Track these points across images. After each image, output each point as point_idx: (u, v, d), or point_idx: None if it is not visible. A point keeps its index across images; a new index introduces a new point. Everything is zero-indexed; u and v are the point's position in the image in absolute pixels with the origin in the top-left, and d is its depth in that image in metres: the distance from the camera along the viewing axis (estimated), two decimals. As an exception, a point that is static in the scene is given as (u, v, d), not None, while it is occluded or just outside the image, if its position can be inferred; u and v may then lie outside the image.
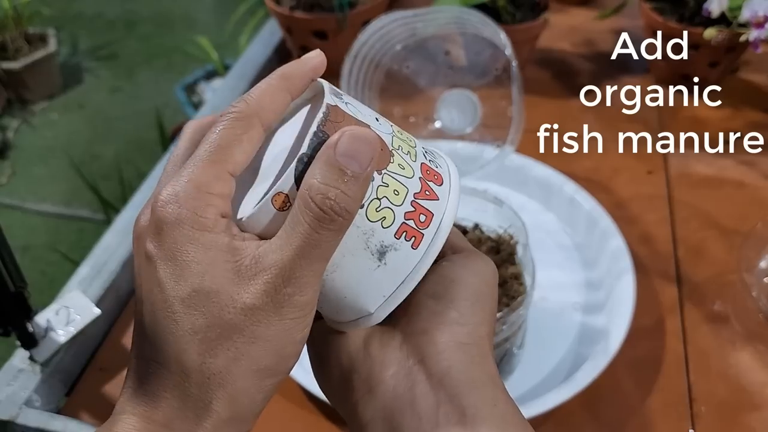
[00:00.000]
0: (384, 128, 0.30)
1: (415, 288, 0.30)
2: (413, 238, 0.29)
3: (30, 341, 0.61)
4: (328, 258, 0.27)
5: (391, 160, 0.29)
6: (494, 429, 0.28)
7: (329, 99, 0.28)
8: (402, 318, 0.32)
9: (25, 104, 2.28)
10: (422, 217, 0.29)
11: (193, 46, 2.05)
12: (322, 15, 0.97)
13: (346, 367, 0.31)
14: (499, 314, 0.57)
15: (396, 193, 0.29)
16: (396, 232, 0.29)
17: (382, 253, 0.29)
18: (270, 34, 1.10)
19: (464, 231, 0.70)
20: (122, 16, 2.74)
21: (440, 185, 0.31)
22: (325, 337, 0.32)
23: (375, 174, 0.28)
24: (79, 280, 0.69)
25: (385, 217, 0.28)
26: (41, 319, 0.63)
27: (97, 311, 0.64)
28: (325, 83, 0.30)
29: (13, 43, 2.19)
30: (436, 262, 0.31)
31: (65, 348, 0.63)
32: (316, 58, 0.31)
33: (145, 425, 0.27)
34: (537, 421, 0.60)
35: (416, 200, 0.29)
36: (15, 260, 0.57)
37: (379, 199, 0.28)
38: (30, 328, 0.61)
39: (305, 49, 1.01)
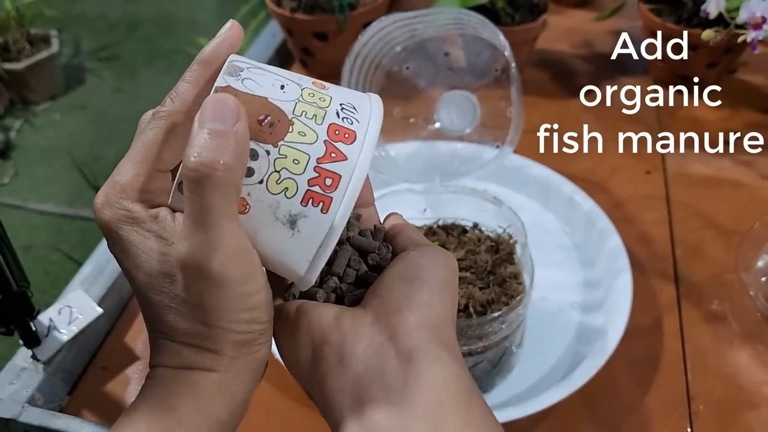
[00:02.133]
0: (288, 96, 0.31)
1: (386, 272, 0.35)
2: (321, 203, 0.30)
3: (33, 340, 0.61)
4: (231, 218, 0.29)
5: (290, 130, 0.30)
6: (456, 404, 0.30)
7: (220, 81, 0.30)
8: (373, 299, 0.34)
9: (27, 105, 2.28)
10: (328, 181, 0.30)
11: (195, 47, 2.05)
12: (322, 16, 0.97)
13: (317, 338, 0.33)
14: (498, 313, 0.58)
15: (296, 162, 0.30)
16: (302, 200, 0.30)
17: (293, 222, 0.31)
18: (271, 35, 1.11)
19: (464, 230, 0.70)
20: (124, 18, 2.74)
21: (351, 143, 0.31)
22: (298, 310, 0.34)
23: (271, 147, 0.29)
24: (82, 280, 0.70)
25: (287, 188, 0.30)
26: (44, 318, 0.63)
27: (100, 310, 0.65)
28: (226, 62, 0.31)
29: (15, 43, 2.19)
30: (405, 251, 0.36)
31: (67, 347, 0.64)
32: (230, 30, 0.34)
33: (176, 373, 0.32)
34: (535, 419, 0.61)
35: (320, 165, 0.30)
36: (18, 259, 0.58)
37: (278, 171, 0.30)
38: (33, 327, 0.61)
39: (306, 51, 1.02)
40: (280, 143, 0.29)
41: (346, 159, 0.30)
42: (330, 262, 0.35)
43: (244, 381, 0.33)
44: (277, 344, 0.36)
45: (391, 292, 0.34)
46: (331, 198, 0.30)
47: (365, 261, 0.37)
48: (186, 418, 0.31)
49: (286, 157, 0.30)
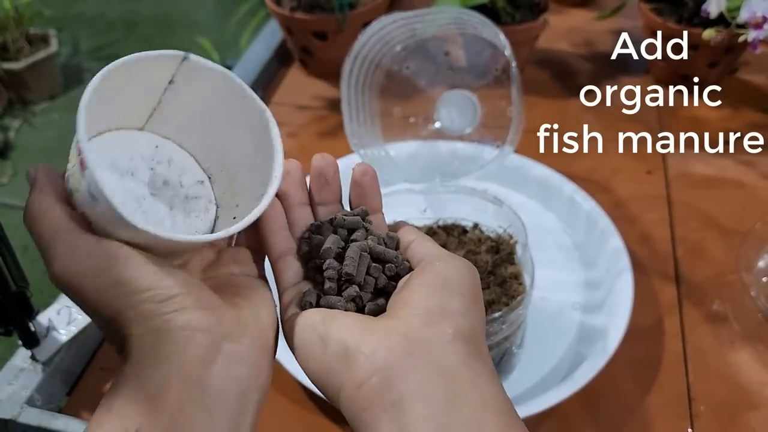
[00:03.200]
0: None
1: (412, 282, 0.35)
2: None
3: (31, 340, 0.61)
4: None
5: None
6: (498, 424, 0.30)
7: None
8: (403, 309, 0.33)
9: (26, 104, 2.28)
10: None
11: (194, 47, 2.05)
12: (322, 16, 0.97)
13: (351, 348, 0.32)
14: (498, 313, 0.57)
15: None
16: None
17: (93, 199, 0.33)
18: (271, 34, 1.11)
19: (464, 231, 0.70)
20: (123, 17, 2.74)
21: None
22: (323, 320, 0.34)
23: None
24: (81, 280, 0.69)
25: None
26: (43, 318, 0.63)
27: (99, 311, 0.64)
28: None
29: (14, 43, 2.19)
30: (424, 261, 0.36)
31: (66, 347, 0.64)
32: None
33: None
34: (536, 420, 0.60)
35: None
36: (17, 260, 0.58)
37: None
38: (31, 328, 0.61)
39: (306, 50, 1.02)
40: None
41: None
42: (348, 270, 0.36)
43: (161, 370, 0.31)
44: (298, 354, 0.34)
45: (422, 303, 0.33)
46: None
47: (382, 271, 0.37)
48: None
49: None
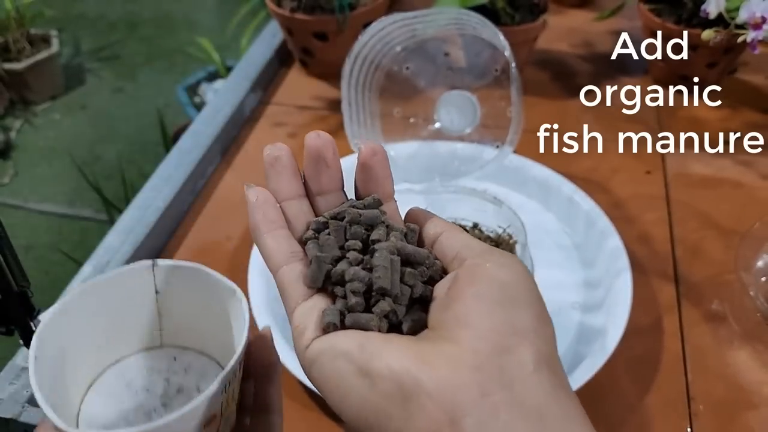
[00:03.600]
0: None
1: (459, 291, 0.29)
2: None
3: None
4: None
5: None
6: None
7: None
8: (459, 329, 0.27)
9: (27, 105, 2.28)
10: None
11: (195, 48, 2.06)
12: (322, 16, 0.97)
13: (406, 385, 0.27)
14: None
15: None
16: None
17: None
18: (271, 35, 1.11)
19: (464, 231, 0.70)
20: (124, 18, 2.74)
21: None
22: (361, 348, 0.29)
23: None
24: (82, 280, 0.70)
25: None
26: (44, 318, 0.63)
27: (100, 310, 0.65)
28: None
29: (15, 43, 2.19)
30: (463, 259, 0.31)
31: (68, 347, 0.64)
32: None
33: None
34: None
35: None
36: (18, 259, 0.58)
37: None
38: (33, 327, 0.61)
39: (306, 51, 1.02)
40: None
41: None
42: (382, 284, 0.30)
43: None
44: (328, 391, 0.28)
45: (484, 321, 0.27)
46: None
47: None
48: None
49: None
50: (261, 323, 0.64)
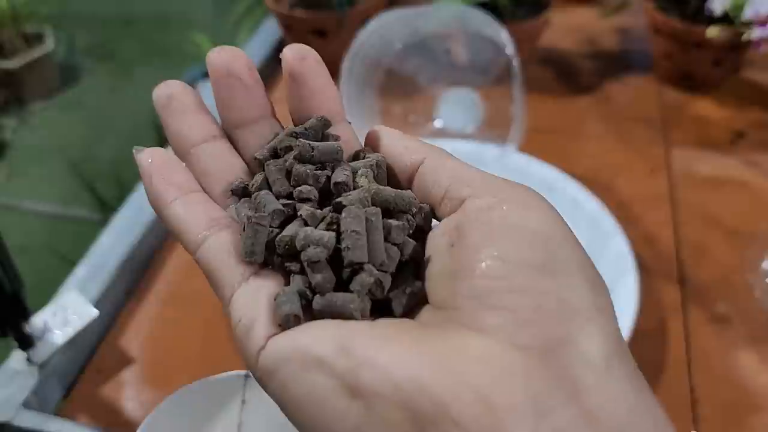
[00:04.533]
0: None
1: (477, 246, 0.20)
2: None
3: (27, 342, 0.60)
4: None
5: None
6: None
7: None
8: (485, 310, 0.19)
9: (22, 104, 2.27)
10: None
11: (192, 45, 2.05)
12: (321, 13, 0.96)
13: (402, 409, 0.19)
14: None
15: None
16: None
17: None
18: (269, 32, 1.10)
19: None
20: (120, 15, 2.73)
21: None
22: (343, 351, 0.21)
23: None
24: (77, 281, 0.69)
25: None
26: (38, 320, 0.62)
27: (95, 312, 0.64)
28: None
29: (10, 42, 2.18)
30: (462, 201, 0.22)
31: (62, 349, 0.63)
32: None
33: None
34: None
35: None
36: (11, 260, 0.57)
37: None
38: (27, 330, 0.60)
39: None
40: None
41: None
42: (355, 258, 0.21)
43: None
44: (299, 416, 0.20)
45: (519, 296, 0.19)
46: None
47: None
48: None
49: None
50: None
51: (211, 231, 0.23)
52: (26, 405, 0.60)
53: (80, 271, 0.70)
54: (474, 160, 0.72)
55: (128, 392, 0.64)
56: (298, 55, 0.25)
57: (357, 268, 0.21)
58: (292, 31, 1.01)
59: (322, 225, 0.22)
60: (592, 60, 1.05)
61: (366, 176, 0.23)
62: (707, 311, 0.70)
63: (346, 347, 0.19)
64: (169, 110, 0.26)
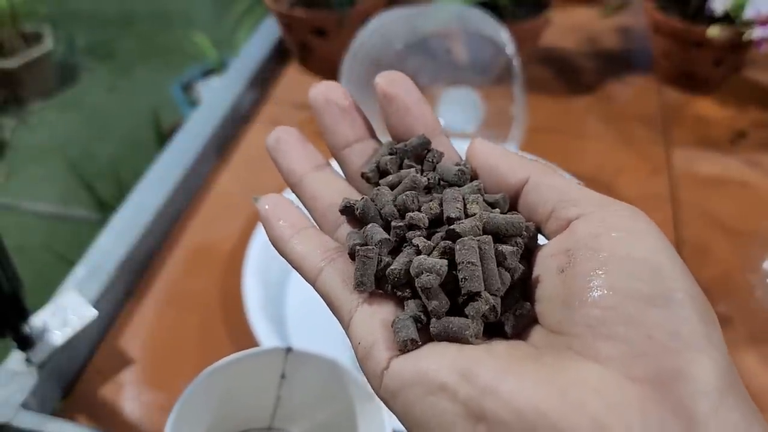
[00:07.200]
0: None
1: (586, 273, 0.21)
2: None
3: (26, 343, 0.60)
4: None
5: None
6: None
7: None
8: (595, 339, 0.20)
9: (21, 103, 2.27)
10: None
11: (191, 44, 2.04)
12: (321, 12, 0.96)
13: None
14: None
15: None
16: None
17: None
18: (268, 31, 1.09)
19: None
20: (119, 14, 2.73)
21: None
22: (462, 375, 0.22)
23: None
24: (76, 281, 0.68)
25: None
26: (37, 320, 0.62)
27: (94, 312, 0.63)
28: None
29: (9, 41, 2.18)
30: (570, 223, 0.22)
31: (61, 350, 0.62)
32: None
33: None
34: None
35: None
36: (10, 260, 0.56)
37: None
38: (26, 330, 0.60)
39: (304, 47, 1.01)
40: None
41: None
42: (472, 288, 0.22)
43: None
44: None
45: (631, 327, 0.19)
46: None
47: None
48: None
49: None
50: (259, 328, 0.63)
51: (326, 262, 0.25)
52: (25, 405, 0.59)
53: (79, 271, 0.70)
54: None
55: (127, 393, 0.64)
56: (388, 79, 0.28)
57: (465, 292, 0.22)
58: (292, 31, 1.00)
59: (435, 253, 0.23)
60: (593, 60, 1.05)
61: (477, 202, 0.24)
62: (708, 311, 0.70)
63: (468, 374, 0.20)
64: (279, 152, 0.29)
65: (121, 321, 0.70)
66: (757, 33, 0.76)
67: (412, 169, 0.26)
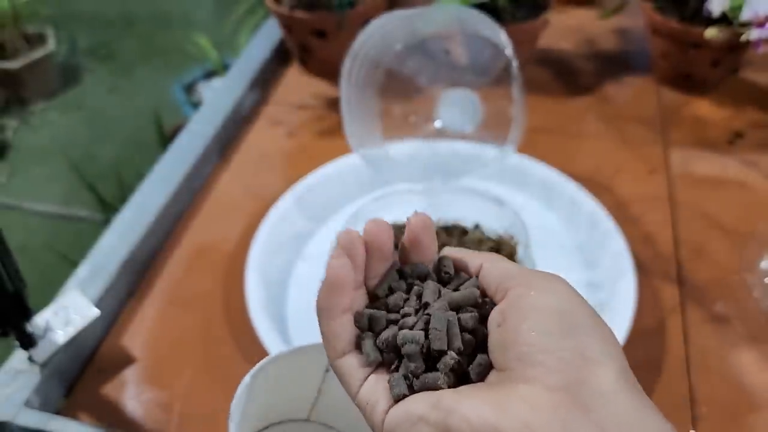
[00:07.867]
0: None
1: (511, 327, 0.29)
2: None
3: (29, 342, 0.61)
4: None
5: None
6: None
7: None
8: (530, 368, 0.27)
9: (23, 104, 2.27)
10: None
11: (192, 45, 2.05)
12: (322, 14, 0.96)
13: None
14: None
15: None
16: None
17: None
18: (269, 33, 1.10)
19: (464, 231, 0.69)
20: (121, 15, 2.73)
21: None
22: (438, 408, 0.29)
23: None
24: (78, 281, 0.69)
25: None
26: (40, 319, 0.62)
27: (96, 312, 0.64)
28: None
29: (11, 42, 2.18)
30: (506, 291, 0.30)
31: (64, 348, 0.63)
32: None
33: None
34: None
35: None
36: (13, 260, 0.57)
37: None
38: (29, 329, 0.60)
39: (305, 49, 1.01)
40: None
41: None
42: (437, 346, 0.30)
43: None
44: None
45: (548, 354, 0.27)
46: None
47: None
48: None
49: None
50: (260, 326, 0.63)
51: (350, 349, 0.32)
52: (28, 404, 0.60)
53: (82, 271, 0.70)
54: (474, 161, 0.73)
55: (129, 391, 0.64)
56: (421, 224, 0.33)
57: (442, 353, 0.30)
58: (293, 32, 1.01)
59: (418, 326, 0.31)
60: (591, 61, 1.05)
61: (433, 288, 0.32)
62: (706, 311, 0.70)
63: (436, 404, 0.28)
64: (374, 249, 0.33)
65: (123, 320, 0.70)
66: (754, 34, 0.77)
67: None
